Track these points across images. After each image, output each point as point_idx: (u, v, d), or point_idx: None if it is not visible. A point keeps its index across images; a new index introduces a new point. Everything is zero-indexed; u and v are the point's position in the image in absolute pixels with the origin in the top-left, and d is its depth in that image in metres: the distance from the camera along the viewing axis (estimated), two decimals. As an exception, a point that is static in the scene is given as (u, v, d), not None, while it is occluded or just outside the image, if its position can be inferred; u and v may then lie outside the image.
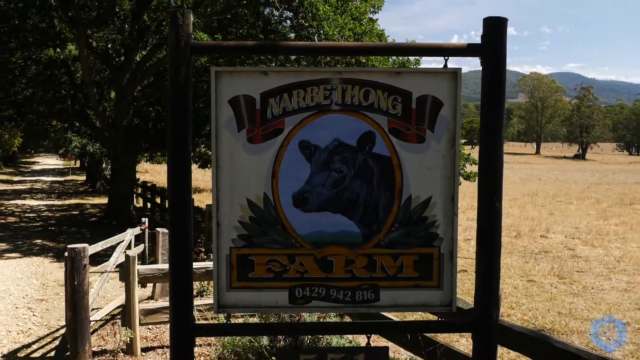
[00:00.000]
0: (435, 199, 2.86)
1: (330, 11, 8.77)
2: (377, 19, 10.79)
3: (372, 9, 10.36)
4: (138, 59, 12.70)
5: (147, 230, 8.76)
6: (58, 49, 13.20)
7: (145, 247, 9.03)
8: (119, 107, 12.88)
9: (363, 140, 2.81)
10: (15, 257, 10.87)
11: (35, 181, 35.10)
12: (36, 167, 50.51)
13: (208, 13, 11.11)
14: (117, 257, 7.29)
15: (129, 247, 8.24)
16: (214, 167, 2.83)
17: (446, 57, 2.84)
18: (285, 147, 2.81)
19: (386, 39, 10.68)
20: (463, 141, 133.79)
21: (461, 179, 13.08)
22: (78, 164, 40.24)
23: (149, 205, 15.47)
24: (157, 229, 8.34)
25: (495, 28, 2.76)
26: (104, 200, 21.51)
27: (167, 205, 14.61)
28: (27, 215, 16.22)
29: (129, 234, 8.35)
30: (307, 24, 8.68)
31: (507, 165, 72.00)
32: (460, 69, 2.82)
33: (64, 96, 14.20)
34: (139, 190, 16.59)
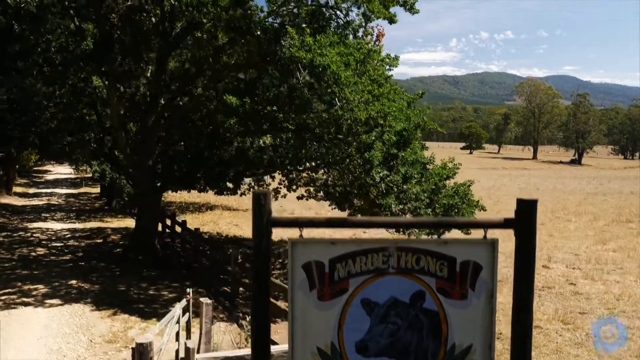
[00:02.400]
0: (475, 346, 3.39)
1: (351, 77, 9.32)
2: (392, 75, 11.39)
3: (387, 67, 10.94)
4: (163, 102, 13.14)
5: (191, 300, 9.20)
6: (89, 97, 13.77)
7: (189, 316, 9.37)
8: (145, 147, 13.36)
9: (415, 298, 3.34)
10: (57, 305, 11.16)
11: (51, 194, 35.54)
12: (49, 177, 50.95)
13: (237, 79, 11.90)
14: (170, 334, 7.67)
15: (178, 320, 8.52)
16: (290, 320, 3.35)
17: (485, 230, 3.36)
18: (350, 304, 3.33)
19: (401, 93, 11.17)
20: (461, 146, 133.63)
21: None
22: (90, 174, 40.34)
23: (170, 229, 16.02)
24: (201, 299, 8.68)
25: (526, 208, 3.30)
26: (122, 222, 21.97)
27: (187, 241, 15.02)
28: (54, 244, 16.64)
29: (178, 308, 8.69)
30: (329, 90, 9.21)
31: (505, 172, 72.32)
32: (497, 239, 3.35)
33: (93, 139, 14.68)
34: (167, 222, 16.94)
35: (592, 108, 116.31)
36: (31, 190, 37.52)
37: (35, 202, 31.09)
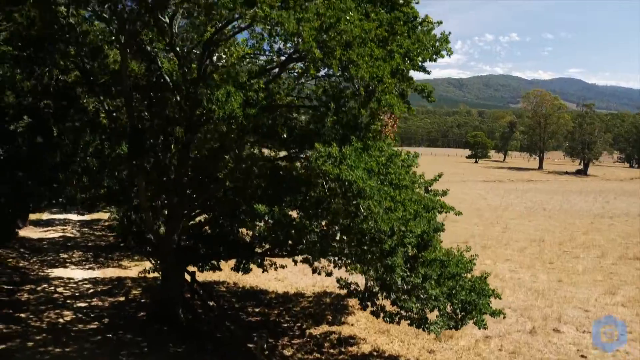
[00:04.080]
0: None
1: (376, 189, 9.79)
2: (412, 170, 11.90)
3: (407, 166, 11.40)
4: (188, 182, 13.60)
5: None
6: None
7: None
8: (170, 224, 13.88)
9: None
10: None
11: (64, 222, 36.09)
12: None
13: None
14: None
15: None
16: None
17: None
18: None
19: (418, 197, 11.61)
20: (467, 154, 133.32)
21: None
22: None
23: (190, 287, 16.51)
24: None
25: None
26: (140, 266, 22.22)
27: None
28: (79, 305, 17.09)
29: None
30: (355, 202, 9.69)
31: (511, 185, 72.27)
32: None
33: (120, 214, 15.23)
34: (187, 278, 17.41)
35: (597, 115, 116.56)
36: (44, 216, 38.08)
37: (51, 233, 31.64)
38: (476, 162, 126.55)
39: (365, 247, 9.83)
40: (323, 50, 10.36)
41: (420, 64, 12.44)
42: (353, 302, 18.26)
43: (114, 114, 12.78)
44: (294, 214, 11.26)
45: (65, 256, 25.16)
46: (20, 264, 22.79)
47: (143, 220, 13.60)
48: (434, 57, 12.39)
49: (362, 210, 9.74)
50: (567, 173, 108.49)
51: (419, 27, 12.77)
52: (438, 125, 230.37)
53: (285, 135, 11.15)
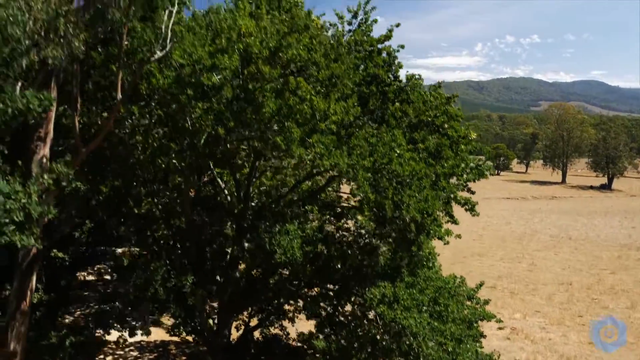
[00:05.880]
0: None
1: (428, 329, 10.37)
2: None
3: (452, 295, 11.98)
4: (238, 275, 14.29)
5: None
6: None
7: None
8: (221, 316, 14.62)
9: None
10: None
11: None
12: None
13: None
14: None
15: None
16: None
17: None
18: None
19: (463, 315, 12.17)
20: (490, 165, 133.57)
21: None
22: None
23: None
24: None
25: None
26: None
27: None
28: None
29: None
30: (407, 343, 10.27)
31: (535, 204, 71.58)
32: None
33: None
34: None
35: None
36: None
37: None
38: (498, 174, 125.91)
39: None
40: (375, 190, 10.94)
41: (465, 183, 12.99)
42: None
43: (179, 242, 13.57)
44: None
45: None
46: None
47: (196, 318, 14.32)
48: (479, 178, 12.94)
49: (414, 348, 10.32)
50: (591, 187, 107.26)
51: (462, 146, 13.34)
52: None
53: (339, 266, 11.72)
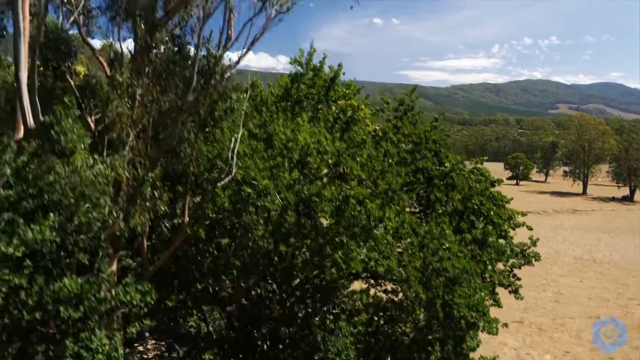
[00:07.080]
0: None
1: None
2: None
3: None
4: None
5: None
6: None
7: None
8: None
9: None
10: None
11: None
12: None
13: None
14: None
15: None
16: None
17: None
18: None
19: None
20: (507, 176, 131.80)
21: None
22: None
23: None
24: None
25: None
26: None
27: None
28: None
29: None
30: None
31: (556, 219, 70.47)
32: None
33: None
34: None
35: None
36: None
37: None
38: (517, 184, 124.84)
39: None
40: (426, 287, 11.13)
41: (510, 269, 13.11)
42: None
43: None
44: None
45: None
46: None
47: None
48: (524, 264, 13.05)
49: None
50: (612, 199, 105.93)
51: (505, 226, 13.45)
52: (476, 139, 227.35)
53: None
